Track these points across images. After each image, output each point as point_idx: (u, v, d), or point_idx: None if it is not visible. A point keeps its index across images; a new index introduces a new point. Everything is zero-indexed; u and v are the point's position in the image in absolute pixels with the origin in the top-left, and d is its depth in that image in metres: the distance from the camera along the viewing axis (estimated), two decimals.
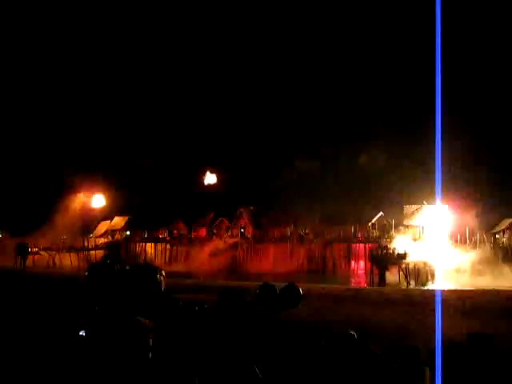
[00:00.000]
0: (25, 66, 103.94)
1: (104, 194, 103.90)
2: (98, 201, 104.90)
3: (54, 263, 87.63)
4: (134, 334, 4.94)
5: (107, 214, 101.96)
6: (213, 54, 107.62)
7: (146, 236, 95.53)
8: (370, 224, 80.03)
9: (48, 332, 6.38)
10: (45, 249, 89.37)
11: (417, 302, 31.05)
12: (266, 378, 6.54)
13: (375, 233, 78.20)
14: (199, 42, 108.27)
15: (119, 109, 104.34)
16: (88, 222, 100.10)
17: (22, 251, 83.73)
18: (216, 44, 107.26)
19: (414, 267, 62.31)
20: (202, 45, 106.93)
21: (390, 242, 67.99)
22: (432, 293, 41.40)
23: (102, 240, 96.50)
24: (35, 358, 5.55)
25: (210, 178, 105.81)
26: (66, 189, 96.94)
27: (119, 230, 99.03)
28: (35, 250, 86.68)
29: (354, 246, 77.60)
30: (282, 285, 27.64)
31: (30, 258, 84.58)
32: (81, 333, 6.10)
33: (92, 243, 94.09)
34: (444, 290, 41.70)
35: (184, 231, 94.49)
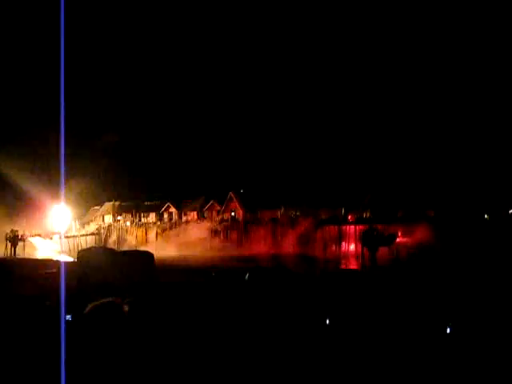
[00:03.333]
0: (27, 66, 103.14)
1: (94, 180, 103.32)
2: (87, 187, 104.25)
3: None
4: (112, 318, 4.91)
5: (97, 200, 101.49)
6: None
7: (136, 221, 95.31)
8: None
9: (37, 316, 6.34)
10: (35, 235, 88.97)
11: None
12: None
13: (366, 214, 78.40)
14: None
15: (113, 93, 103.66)
16: (78, 209, 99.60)
17: (12, 239, 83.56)
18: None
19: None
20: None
21: None
22: None
23: (92, 226, 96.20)
24: (24, 341, 5.52)
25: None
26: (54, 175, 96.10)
27: (109, 215, 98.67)
28: (25, 237, 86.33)
29: (344, 227, 77.70)
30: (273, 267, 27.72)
31: (21, 245, 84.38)
32: (67, 317, 6.06)
33: (82, 229, 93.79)
34: None
35: (175, 215, 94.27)
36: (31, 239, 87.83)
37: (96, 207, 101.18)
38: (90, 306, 5.20)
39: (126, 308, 5.36)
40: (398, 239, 65.81)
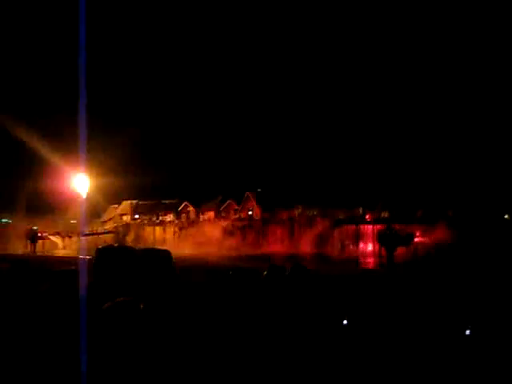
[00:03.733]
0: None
1: (112, 178, 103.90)
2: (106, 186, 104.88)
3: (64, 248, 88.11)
4: (128, 316, 4.96)
5: (115, 199, 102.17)
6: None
7: (154, 219, 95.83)
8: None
9: (53, 315, 6.40)
10: (54, 234, 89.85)
11: None
12: None
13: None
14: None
15: (134, 91, 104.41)
16: (97, 207, 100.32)
17: (32, 237, 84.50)
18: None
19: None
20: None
21: None
22: None
23: (110, 224, 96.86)
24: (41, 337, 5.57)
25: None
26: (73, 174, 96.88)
27: (127, 214, 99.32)
28: (45, 234, 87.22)
29: (362, 227, 77.39)
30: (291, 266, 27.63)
31: (40, 242, 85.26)
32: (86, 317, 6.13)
33: (101, 228, 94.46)
34: None
35: (192, 214, 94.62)
36: (51, 237, 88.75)
37: (114, 205, 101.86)
38: (106, 305, 5.23)
39: (142, 306, 5.40)
40: (416, 239, 65.35)
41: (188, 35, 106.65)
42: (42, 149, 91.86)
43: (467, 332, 13.96)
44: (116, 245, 67.88)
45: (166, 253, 27.72)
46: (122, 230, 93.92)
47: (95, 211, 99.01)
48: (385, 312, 18.37)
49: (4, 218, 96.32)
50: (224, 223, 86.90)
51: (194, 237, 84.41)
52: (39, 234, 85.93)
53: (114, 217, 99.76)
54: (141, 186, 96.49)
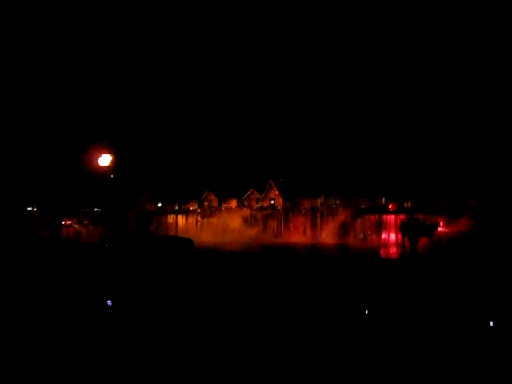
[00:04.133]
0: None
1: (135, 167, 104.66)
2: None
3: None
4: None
5: (139, 188, 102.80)
6: None
7: (176, 208, 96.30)
8: None
9: (78, 301, 6.46)
10: (78, 222, 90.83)
11: None
12: None
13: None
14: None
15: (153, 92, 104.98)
16: (119, 195, 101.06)
17: (56, 224, 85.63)
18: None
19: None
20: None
21: None
22: None
23: (133, 213, 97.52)
24: (65, 324, 5.63)
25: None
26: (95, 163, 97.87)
27: (150, 202, 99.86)
28: (69, 222, 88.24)
29: (385, 217, 76.90)
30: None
31: (64, 230, 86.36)
32: (108, 302, 6.17)
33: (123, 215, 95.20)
34: None
35: (214, 203, 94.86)
36: (75, 225, 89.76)
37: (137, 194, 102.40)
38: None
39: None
40: (439, 229, 64.76)
41: (206, 35, 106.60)
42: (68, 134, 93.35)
43: (491, 323, 13.79)
44: (139, 232, 68.66)
45: (188, 240, 27.84)
46: (145, 219, 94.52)
47: (118, 199, 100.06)
48: (407, 302, 18.23)
49: (29, 207, 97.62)
50: (246, 212, 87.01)
51: (216, 226, 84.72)
52: (63, 222, 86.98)
53: (136, 205, 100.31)
54: (165, 175, 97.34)
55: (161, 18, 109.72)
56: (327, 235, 76.96)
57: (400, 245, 65.13)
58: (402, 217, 70.15)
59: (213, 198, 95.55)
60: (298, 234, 79.50)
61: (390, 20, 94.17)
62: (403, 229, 64.16)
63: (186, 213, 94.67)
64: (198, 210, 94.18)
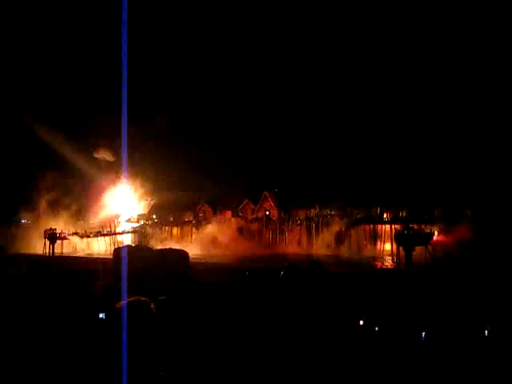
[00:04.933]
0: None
1: (130, 179, 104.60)
2: (125, 186, 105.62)
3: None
4: (139, 316, 4.98)
5: (133, 199, 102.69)
6: None
7: (171, 219, 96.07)
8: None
9: (71, 314, 6.44)
10: (73, 234, 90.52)
11: None
12: None
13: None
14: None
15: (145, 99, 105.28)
16: (115, 207, 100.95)
17: (51, 237, 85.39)
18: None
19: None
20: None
21: None
22: None
23: (128, 224, 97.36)
24: (58, 337, 5.61)
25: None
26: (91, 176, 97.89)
27: (145, 214, 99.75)
28: (63, 235, 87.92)
29: (379, 227, 76.87)
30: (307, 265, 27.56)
31: (59, 243, 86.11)
32: (100, 315, 6.15)
33: (119, 228, 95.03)
34: None
35: (209, 214, 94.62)
36: (69, 237, 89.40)
37: (132, 206, 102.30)
38: (119, 304, 5.24)
39: (154, 307, 5.40)
40: (434, 238, 64.76)
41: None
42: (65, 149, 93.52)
43: (486, 333, 13.79)
44: (134, 245, 68.41)
45: (183, 253, 27.79)
46: (140, 230, 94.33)
47: (113, 211, 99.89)
48: (402, 313, 18.20)
49: (24, 219, 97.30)
50: (240, 223, 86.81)
51: (210, 236, 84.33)
52: (58, 235, 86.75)
53: (131, 217, 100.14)
54: (159, 185, 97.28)
55: (161, 19, 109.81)
56: (322, 245, 76.88)
57: (395, 254, 65.04)
58: (396, 226, 70.12)
59: (208, 209, 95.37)
60: (293, 245, 79.40)
61: (391, 22, 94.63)
62: (398, 238, 64.07)
63: (181, 223, 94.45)
64: (193, 222, 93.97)
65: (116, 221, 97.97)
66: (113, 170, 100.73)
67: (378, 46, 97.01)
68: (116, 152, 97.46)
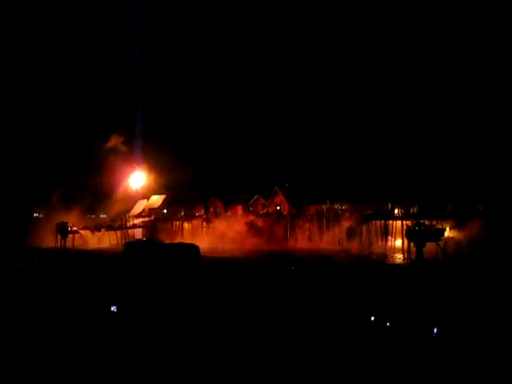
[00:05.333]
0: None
1: (142, 173, 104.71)
2: (137, 180, 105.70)
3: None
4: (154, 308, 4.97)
5: (145, 193, 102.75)
6: None
7: (182, 214, 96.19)
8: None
9: (82, 307, 6.42)
10: (84, 228, 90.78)
11: None
12: None
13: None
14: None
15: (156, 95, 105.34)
16: (126, 201, 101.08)
17: (62, 231, 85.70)
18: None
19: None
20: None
21: None
22: None
23: (139, 219, 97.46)
24: (70, 330, 5.59)
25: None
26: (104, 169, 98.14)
27: (156, 208, 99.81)
28: (74, 229, 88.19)
29: (391, 222, 76.54)
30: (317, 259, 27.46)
31: (70, 236, 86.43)
32: (112, 308, 6.13)
33: (130, 222, 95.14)
34: None
35: (220, 209, 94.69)
36: (80, 231, 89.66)
37: (143, 200, 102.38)
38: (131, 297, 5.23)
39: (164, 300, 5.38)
40: (446, 234, 64.43)
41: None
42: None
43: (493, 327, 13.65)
44: (144, 239, 68.56)
45: (193, 247, 27.78)
46: (152, 224, 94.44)
47: (125, 205, 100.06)
48: (413, 308, 18.07)
49: (36, 213, 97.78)
50: (251, 218, 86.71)
51: (221, 231, 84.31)
52: (69, 228, 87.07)
53: (143, 211, 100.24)
54: (171, 181, 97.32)
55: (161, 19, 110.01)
56: (333, 240, 76.69)
57: (406, 250, 64.80)
58: (408, 222, 69.79)
59: (219, 203, 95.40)
60: (304, 240, 79.25)
61: (393, 24, 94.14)
62: (409, 234, 63.85)
63: (192, 218, 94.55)
64: (204, 216, 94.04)
65: (127, 215, 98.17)
66: (126, 163, 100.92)
67: (388, 43, 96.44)
68: (129, 145, 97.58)
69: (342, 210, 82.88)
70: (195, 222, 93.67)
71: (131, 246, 24.65)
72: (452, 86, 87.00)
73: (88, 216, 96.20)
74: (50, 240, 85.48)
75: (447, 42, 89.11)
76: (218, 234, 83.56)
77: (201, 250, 32.20)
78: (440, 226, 64.73)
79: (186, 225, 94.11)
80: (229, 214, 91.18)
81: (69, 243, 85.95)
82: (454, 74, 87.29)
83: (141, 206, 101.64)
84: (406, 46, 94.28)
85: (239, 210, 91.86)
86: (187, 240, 71.46)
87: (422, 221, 65.83)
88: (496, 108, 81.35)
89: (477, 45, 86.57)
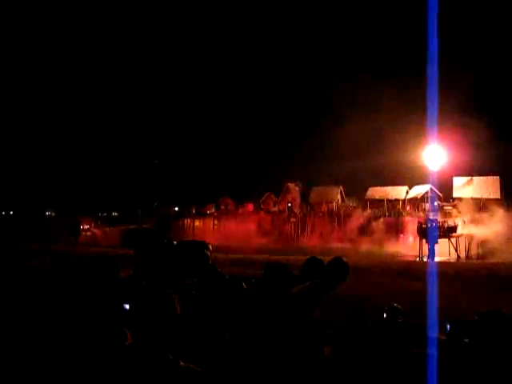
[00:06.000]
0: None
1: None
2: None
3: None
4: (163, 304, 4.97)
5: (155, 191, 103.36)
6: None
7: (194, 211, 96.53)
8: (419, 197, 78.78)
9: (94, 306, 6.43)
10: (96, 226, 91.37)
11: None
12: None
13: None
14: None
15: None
16: (137, 199, 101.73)
17: (74, 229, 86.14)
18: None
19: (465, 240, 61.40)
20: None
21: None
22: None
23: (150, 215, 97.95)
24: (79, 330, 5.60)
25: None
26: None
27: (168, 205, 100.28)
28: (86, 227, 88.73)
29: (402, 219, 76.40)
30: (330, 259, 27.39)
31: (83, 234, 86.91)
32: (126, 306, 6.14)
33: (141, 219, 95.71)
34: None
35: (231, 207, 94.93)
36: (92, 229, 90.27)
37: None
38: (143, 297, 5.24)
39: (177, 301, 5.38)
40: (458, 231, 64.19)
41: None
42: None
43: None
44: (155, 236, 68.79)
45: (205, 244, 27.86)
46: (162, 222, 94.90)
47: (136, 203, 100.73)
48: (425, 304, 18.05)
49: (47, 211, 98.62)
50: (262, 215, 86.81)
51: (231, 229, 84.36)
52: (81, 227, 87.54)
53: (153, 209, 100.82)
54: (182, 178, 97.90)
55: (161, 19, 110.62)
56: (344, 237, 76.61)
57: (418, 247, 64.59)
58: (419, 219, 69.60)
59: (229, 201, 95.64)
60: (315, 238, 79.24)
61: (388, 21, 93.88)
62: (421, 231, 63.68)
63: (203, 216, 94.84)
64: (215, 214, 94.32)
65: (139, 212, 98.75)
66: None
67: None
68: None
69: (353, 207, 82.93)
70: (206, 220, 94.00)
71: (143, 243, 24.75)
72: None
73: (99, 214, 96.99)
74: (62, 238, 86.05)
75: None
76: (228, 232, 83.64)
77: (212, 248, 32.25)
78: (452, 223, 64.49)
79: (197, 222, 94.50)
80: (240, 211, 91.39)
81: (81, 241, 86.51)
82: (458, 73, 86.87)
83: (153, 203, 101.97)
84: (405, 46, 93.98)
85: (250, 207, 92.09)
86: (198, 238, 71.43)
87: (433, 217, 65.62)
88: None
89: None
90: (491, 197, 69.92)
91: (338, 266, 8.20)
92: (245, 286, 7.84)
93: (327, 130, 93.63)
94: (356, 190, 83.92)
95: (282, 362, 5.63)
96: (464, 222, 64.77)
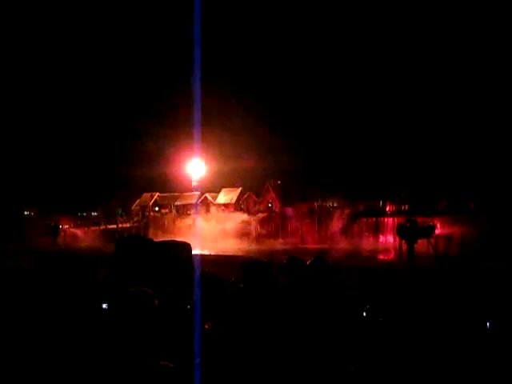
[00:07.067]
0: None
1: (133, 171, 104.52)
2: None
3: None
4: (140, 302, 4.95)
5: (136, 191, 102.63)
6: None
7: (174, 212, 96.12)
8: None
9: (72, 305, 6.37)
10: (74, 226, 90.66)
11: None
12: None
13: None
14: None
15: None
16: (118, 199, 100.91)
17: (54, 229, 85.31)
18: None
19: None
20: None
21: None
22: None
23: (130, 216, 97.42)
24: (58, 329, 5.55)
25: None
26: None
27: (147, 206, 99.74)
28: (66, 227, 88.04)
29: (382, 220, 76.86)
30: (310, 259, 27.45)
31: (62, 235, 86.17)
32: (104, 306, 6.11)
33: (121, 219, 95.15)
34: None
35: (211, 206, 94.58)
36: (72, 229, 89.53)
37: (135, 198, 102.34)
38: (123, 294, 5.21)
39: (156, 300, 5.37)
40: (436, 231, 64.75)
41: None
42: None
43: (487, 325, 13.77)
44: (135, 236, 68.38)
45: (185, 245, 27.73)
46: (142, 222, 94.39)
47: (116, 203, 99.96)
48: (404, 306, 18.17)
49: (26, 211, 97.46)
50: (242, 216, 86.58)
51: (211, 229, 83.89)
52: (60, 227, 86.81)
53: (133, 209, 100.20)
54: (162, 179, 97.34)
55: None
56: (324, 237, 76.84)
57: (398, 247, 65.03)
58: (399, 219, 70.12)
59: (209, 201, 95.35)
60: (296, 238, 79.32)
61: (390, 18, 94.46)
62: (400, 231, 64.14)
63: (183, 216, 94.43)
64: (194, 215, 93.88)
65: (120, 211, 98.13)
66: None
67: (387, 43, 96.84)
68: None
69: (333, 207, 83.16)
70: (187, 219, 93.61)
71: (123, 243, 24.60)
72: (445, 83, 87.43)
73: (79, 214, 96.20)
74: (41, 238, 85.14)
75: (445, 41, 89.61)
76: (206, 233, 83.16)
77: (191, 248, 32.19)
78: (431, 223, 65.05)
79: (177, 222, 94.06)
80: (219, 211, 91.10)
81: (60, 241, 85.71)
82: (448, 72, 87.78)
83: (132, 204, 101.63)
84: (405, 45, 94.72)
85: (231, 207, 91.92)
86: (179, 238, 71.18)
87: (413, 218, 66.09)
88: (488, 104, 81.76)
89: (475, 43, 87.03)
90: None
91: (320, 266, 8.31)
92: (225, 285, 7.84)
93: None
94: None
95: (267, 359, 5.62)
96: None
